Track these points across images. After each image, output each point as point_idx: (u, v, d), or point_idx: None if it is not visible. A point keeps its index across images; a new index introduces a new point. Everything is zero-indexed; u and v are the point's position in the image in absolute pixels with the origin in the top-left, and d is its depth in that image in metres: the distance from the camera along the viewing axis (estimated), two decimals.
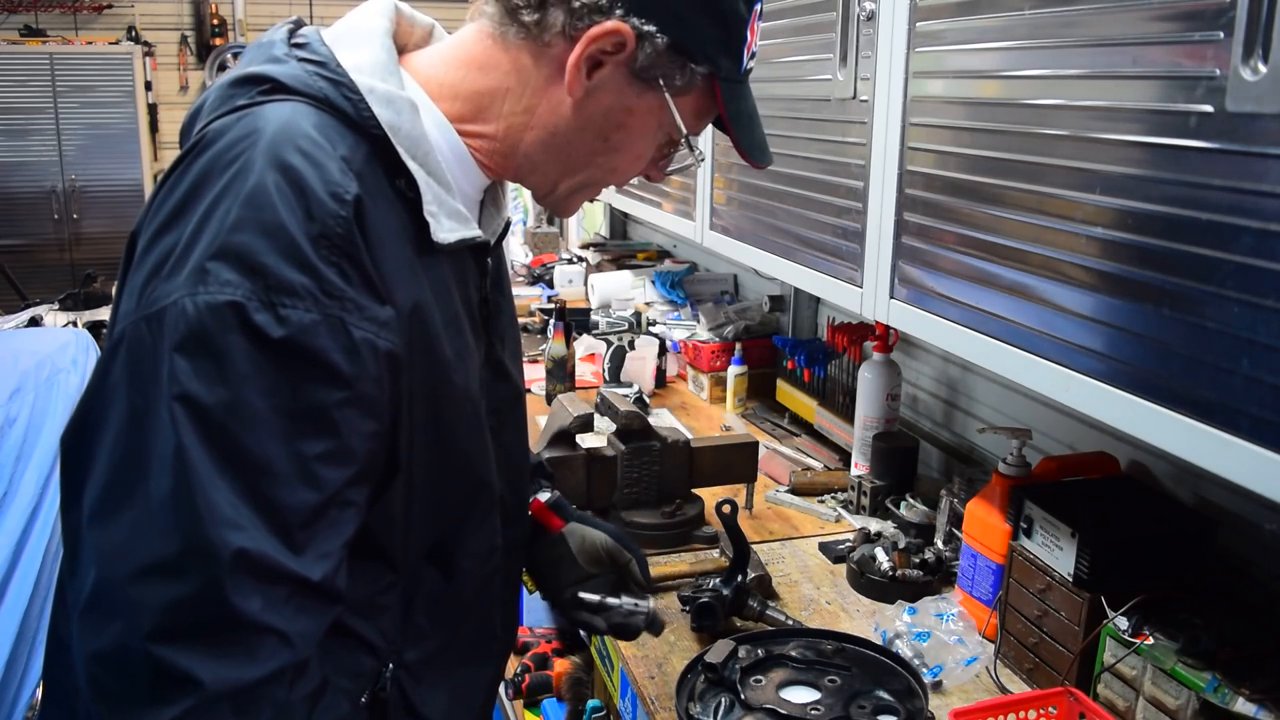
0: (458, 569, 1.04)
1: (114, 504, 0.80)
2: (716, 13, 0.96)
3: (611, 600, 1.31)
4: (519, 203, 4.58)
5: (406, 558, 0.99)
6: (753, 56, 1.02)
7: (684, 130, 1.00)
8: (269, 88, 0.89)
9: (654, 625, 1.31)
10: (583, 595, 1.30)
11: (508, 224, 1.14)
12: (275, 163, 0.82)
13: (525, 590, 1.37)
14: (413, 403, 0.92)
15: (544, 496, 1.32)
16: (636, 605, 1.31)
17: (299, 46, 0.92)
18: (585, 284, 3.67)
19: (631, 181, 2.70)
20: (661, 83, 0.96)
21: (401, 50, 1.00)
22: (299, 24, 0.97)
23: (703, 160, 1.05)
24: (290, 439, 0.80)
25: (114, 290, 0.89)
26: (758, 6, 1.00)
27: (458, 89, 0.98)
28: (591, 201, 1.25)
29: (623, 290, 3.39)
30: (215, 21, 6.28)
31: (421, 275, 0.92)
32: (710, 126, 1.07)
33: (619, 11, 0.92)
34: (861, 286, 1.58)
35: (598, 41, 0.93)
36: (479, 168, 1.01)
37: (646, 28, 0.93)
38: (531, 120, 0.98)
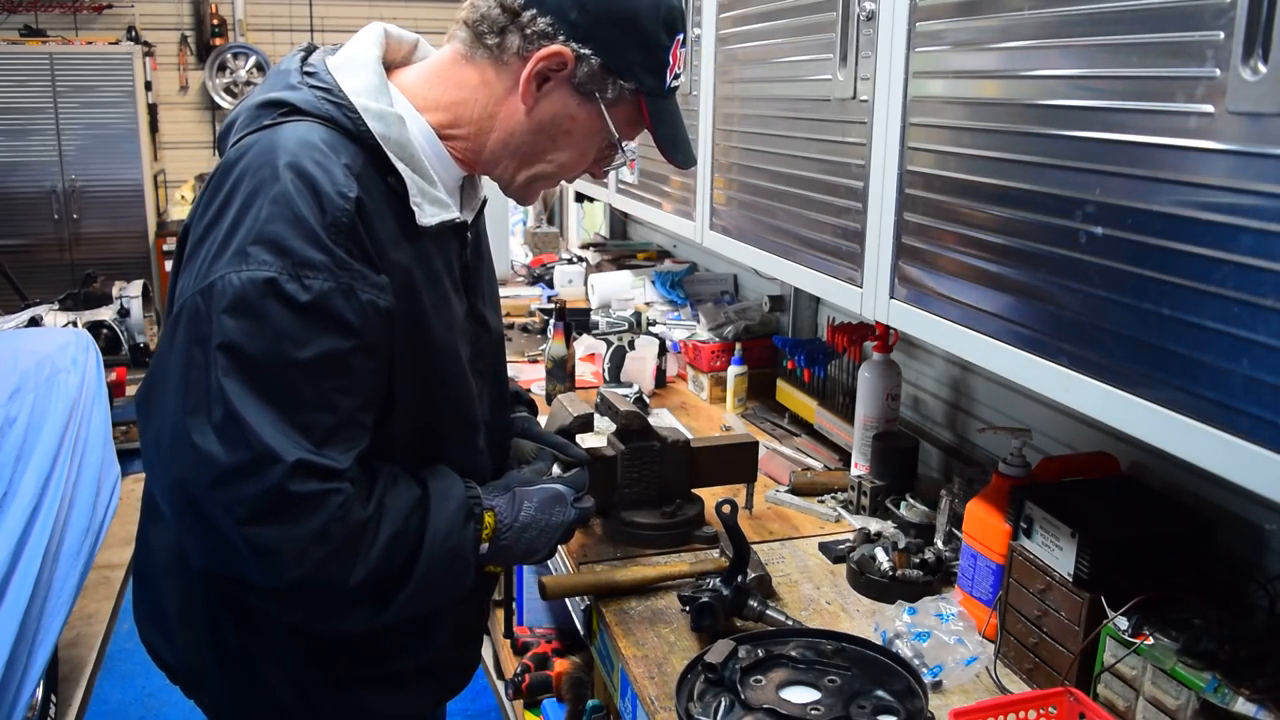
0: None
1: (186, 433, 1.06)
2: (641, 41, 1.21)
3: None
4: (518, 204, 4.57)
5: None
6: (676, 77, 1.27)
7: (616, 134, 1.26)
8: (287, 110, 1.15)
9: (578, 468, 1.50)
10: (512, 472, 1.46)
11: (484, 201, 1.42)
12: (294, 170, 1.08)
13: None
14: (405, 346, 1.18)
15: None
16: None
17: (310, 74, 1.18)
18: (585, 284, 3.67)
19: (627, 180, 2.75)
20: (597, 95, 1.22)
21: (391, 65, 1.26)
22: (310, 50, 1.24)
23: (634, 158, 1.33)
24: (315, 377, 1.08)
25: (170, 272, 1.17)
26: (679, 36, 1.25)
27: (439, 101, 1.25)
28: (549, 190, 1.47)
29: (623, 290, 3.39)
30: (215, 21, 6.28)
31: (408, 250, 1.17)
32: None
33: (561, 38, 1.18)
34: (861, 286, 1.58)
35: (544, 61, 1.19)
36: (456, 163, 1.27)
37: (583, 50, 1.19)
38: (494, 124, 1.24)
